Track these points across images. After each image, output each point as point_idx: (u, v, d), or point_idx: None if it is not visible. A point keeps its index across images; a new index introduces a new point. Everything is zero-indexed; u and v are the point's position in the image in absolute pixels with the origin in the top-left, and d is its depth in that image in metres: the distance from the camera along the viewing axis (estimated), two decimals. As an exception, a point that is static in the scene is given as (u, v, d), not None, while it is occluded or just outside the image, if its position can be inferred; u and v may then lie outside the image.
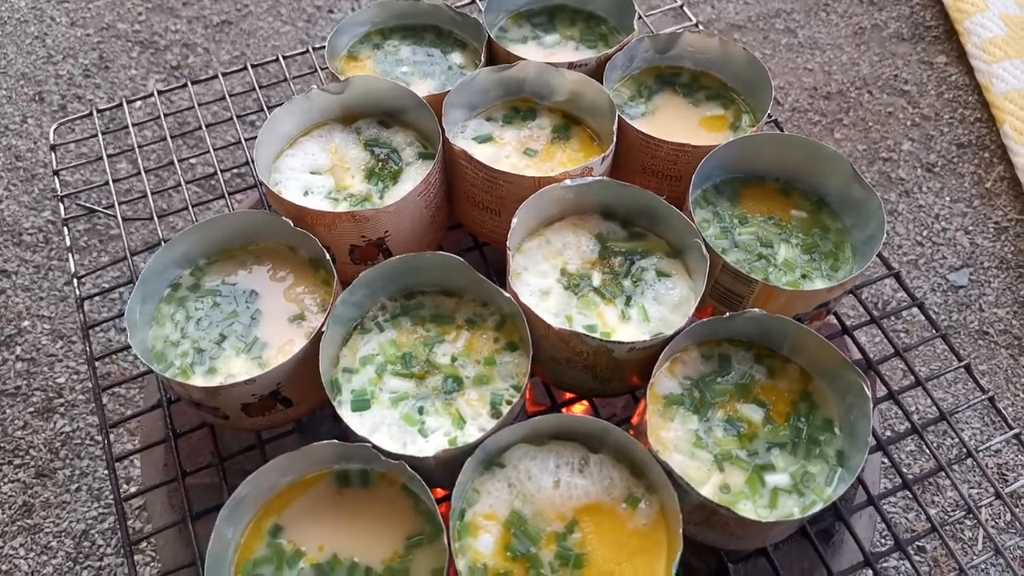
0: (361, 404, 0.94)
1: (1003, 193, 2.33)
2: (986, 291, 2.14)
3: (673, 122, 1.21)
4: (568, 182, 1.03)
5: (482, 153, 1.14)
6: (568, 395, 1.11)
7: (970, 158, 2.40)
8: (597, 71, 1.20)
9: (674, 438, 0.93)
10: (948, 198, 2.31)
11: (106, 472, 1.84)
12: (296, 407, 1.00)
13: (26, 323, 2.03)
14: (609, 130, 1.11)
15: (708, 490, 0.89)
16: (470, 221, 1.18)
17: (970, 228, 2.26)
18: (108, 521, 1.78)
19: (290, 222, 1.01)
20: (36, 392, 1.93)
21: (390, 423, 0.93)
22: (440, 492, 1.01)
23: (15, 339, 2.00)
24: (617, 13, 1.35)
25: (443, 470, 0.89)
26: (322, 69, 1.49)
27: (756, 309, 0.95)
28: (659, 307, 1.01)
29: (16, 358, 1.97)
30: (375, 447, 0.86)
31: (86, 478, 1.83)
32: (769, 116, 1.27)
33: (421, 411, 0.94)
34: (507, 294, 0.96)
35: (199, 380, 0.96)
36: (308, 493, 0.91)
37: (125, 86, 2.51)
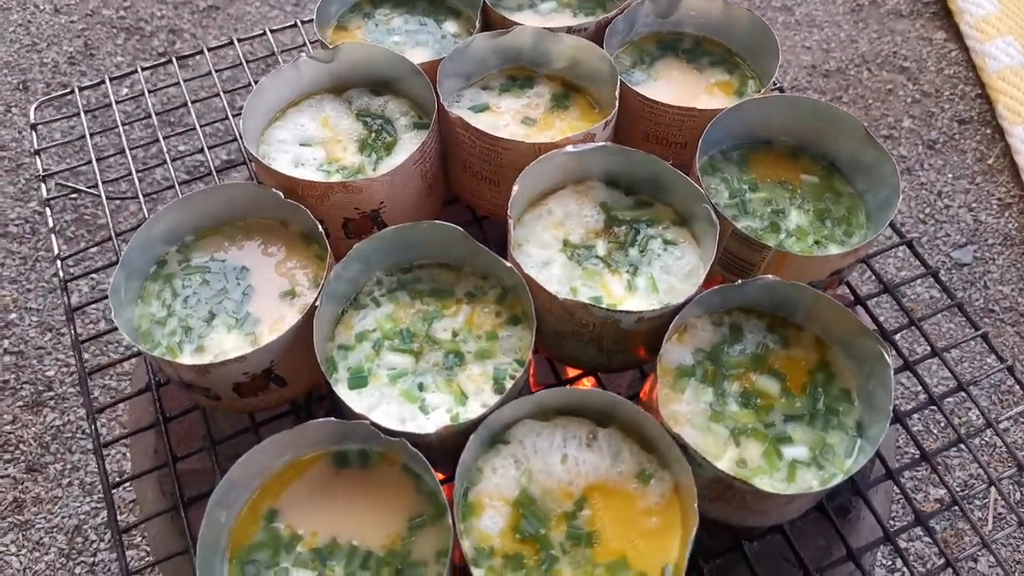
0: (358, 381, 0.90)
1: (1005, 169, 2.29)
2: (991, 268, 2.10)
3: (676, 89, 1.17)
4: (570, 148, 0.98)
5: (479, 123, 1.09)
6: (573, 371, 1.07)
7: (971, 134, 2.37)
8: (596, 37, 1.16)
9: (687, 411, 0.89)
10: (951, 175, 2.28)
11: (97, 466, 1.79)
12: (290, 387, 0.96)
13: (13, 315, 1.98)
14: (610, 97, 1.06)
15: (724, 465, 0.85)
16: (468, 193, 1.14)
17: (973, 205, 2.22)
18: (101, 516, 1.73)
19: (280, 194, 0.97)
20: (25, 386, 1.89)
21: (389, 400, 0.89)
22: (441, 476, 0.97)
23: (3, 332, 1.95)
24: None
25: (445, 448, 0.85)
26: (311, 43, 1.44)
27: (769, 276, 0.91)
28: (667, 277, 0.97)
29: (4, 351, 1.93)
30: (374, 424, 0.82)
31: (78, 472, 1.79)
32: (775, 83, 1.23)
33: (421, 387, 0.90)
34: (508, 265, 0.92)
35: (187, 359, 0.91)
36: (304, 475, 0.87)
37: (111, 72, 2.45)
